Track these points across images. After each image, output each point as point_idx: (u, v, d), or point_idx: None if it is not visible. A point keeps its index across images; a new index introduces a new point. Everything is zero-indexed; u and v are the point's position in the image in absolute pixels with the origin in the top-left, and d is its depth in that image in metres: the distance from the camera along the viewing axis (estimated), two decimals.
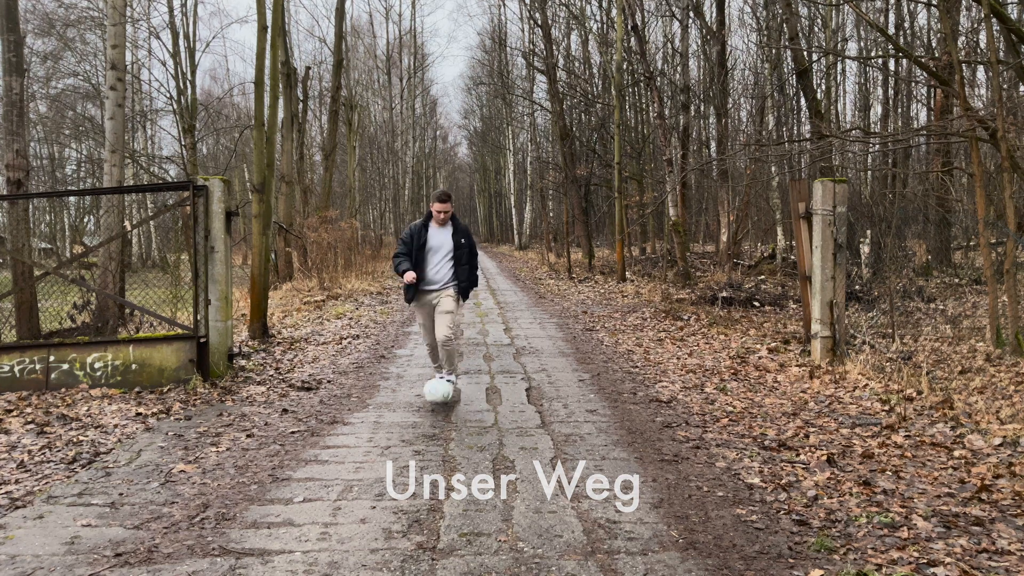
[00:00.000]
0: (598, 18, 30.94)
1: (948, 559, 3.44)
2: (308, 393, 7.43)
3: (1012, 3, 16.20)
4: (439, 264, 6.64)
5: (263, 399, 7.11)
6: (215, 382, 7.55)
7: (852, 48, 27.60)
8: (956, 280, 14.95)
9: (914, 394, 6.58)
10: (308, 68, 26.62)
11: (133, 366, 7.39)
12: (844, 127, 24.80)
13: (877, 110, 27.68)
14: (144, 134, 31.58)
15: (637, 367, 8.63)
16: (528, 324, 12.68)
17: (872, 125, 25.65)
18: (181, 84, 25.11)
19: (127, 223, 13.13)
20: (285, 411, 6.64)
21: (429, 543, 3.71)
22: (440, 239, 6.64)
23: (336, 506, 4.23)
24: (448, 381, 6.73)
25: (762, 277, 18.36)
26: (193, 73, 25.72)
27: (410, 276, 6.46)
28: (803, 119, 26.99)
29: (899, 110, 24.37)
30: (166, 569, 3.46)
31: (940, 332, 9.50)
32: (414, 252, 6.60)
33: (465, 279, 6.69)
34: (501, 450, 5.32)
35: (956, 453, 5.02)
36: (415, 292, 6.64)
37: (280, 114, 19.29)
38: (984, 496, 4.21)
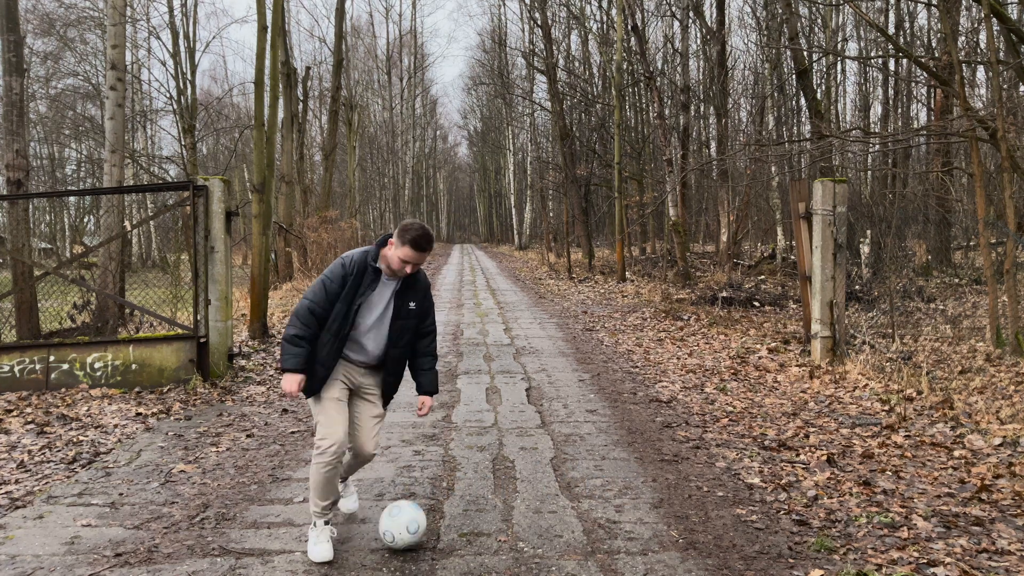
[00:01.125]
0: (598, 18, 30.96)
1: (948, 559, 3.44)
2: None
3: (1012, 3, 16.20)
4: (376, 330, 3.72)
5: (263, 399, 7.12)
6: (215, 382, 7.55)
7: (852, 48, 27.63)
8: (956, 280, 14.95)
9: (914, 394, 6.58)
10: (308, 68, 26.63)
11: (133, 366, 7.39)
12: (844, 127, 24.81)
13: (877, 110, 27.71)
14: (144, 134, 31.58)
15: (637, 367, 8.63)
16: (528, 324, 12.68)
17: (872, 125, 25.66)
18: (181, 84, 25.11)
19: (127, 223, 13.13)
20: (285, 411, 6.64)
21: (429, 543, 3.71)
22: (381, 295, 3.71)
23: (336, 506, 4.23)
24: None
25: (762, 277, 18.37)
26: (193, 73, 25.72)
27: (290, 384, 3.57)
28: (803, 119, 27.01)
29: (899, 110, 24.38)
30: (166, 569, 3.46)
31: (940, 332, 9.50)
32: (343, 312, 3.63)
33: (392, 370, 3.82)
34: (501, 450, 5.32)
35: (956, 453, 5.02)
36: (322, 368, 3.65)
37: (280, 114, 19.29)
38: (984, 496, 4.21)
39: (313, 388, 3.65)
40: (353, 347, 3.73)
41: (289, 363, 3.57)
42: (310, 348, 3.62)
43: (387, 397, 3.91)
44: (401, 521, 3.56)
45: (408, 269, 3.61)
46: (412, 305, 3.75)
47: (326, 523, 3.65)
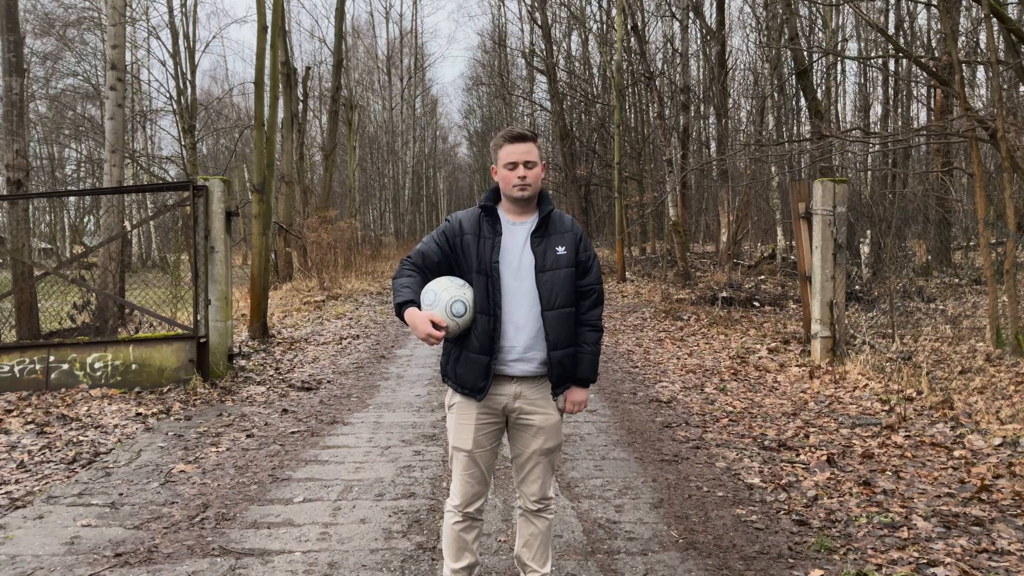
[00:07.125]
0: (598, 18, 30.95)
1: (948, 559, 3.44)
2: (308, 393, 7.43)
3: (1012, 3, 16.19)
4: (521, 310, 2.81)
5: (263, 399, 7.11)
6: (215, 382, 7.55)
7: (852, 48, 27.63)
8: (956, 280, 14.94)
9: (914, 394, 6.58)
10: (308, 68, 26.64)
11: (133, 366, 7.39)
12: (844, 127, 24.80)
13: (877, 110, 27.71)
14: (144, 134, 31.56)
15: (637, 367, 8.63)
16: None
17: (872, 125, 25.66)
18: (181, 84, 25.12)
19: (127, 223, 13.13)
20: (285, 411, 6.64)
21: (429, 543, 3.71)
22: (511, 241, 2.85)
23: (336, 506, 4.23)
24: None
25: (762, 277, 18.36)
26: (193, 73, 25.73)
27: (420, 324, 2.63)
28: (803, 119, 27.01)
29: (899, 110, 24.38)
30: (166, 569, 3.46)
31: (940, 332, 9.50)
32: (476, 279, 2.79)
33: (557, 341, 2.82)
34: (501, 450, 5.31)
35: (956, 453, 5.02)
36: (479, 371, 2.81)
37: (280, 114, 19.30)
38: (984, 496, 4.21)
39: (472, 384, 2.85)
40: (501, 344, 2.80)
41: (399, 299, 2.73)
42: (421, 278, 2.81)
43: (561, 386, 2.91)
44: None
45: (519, 175, 2.77)
46: (560, 250, 2.82)
47: None
